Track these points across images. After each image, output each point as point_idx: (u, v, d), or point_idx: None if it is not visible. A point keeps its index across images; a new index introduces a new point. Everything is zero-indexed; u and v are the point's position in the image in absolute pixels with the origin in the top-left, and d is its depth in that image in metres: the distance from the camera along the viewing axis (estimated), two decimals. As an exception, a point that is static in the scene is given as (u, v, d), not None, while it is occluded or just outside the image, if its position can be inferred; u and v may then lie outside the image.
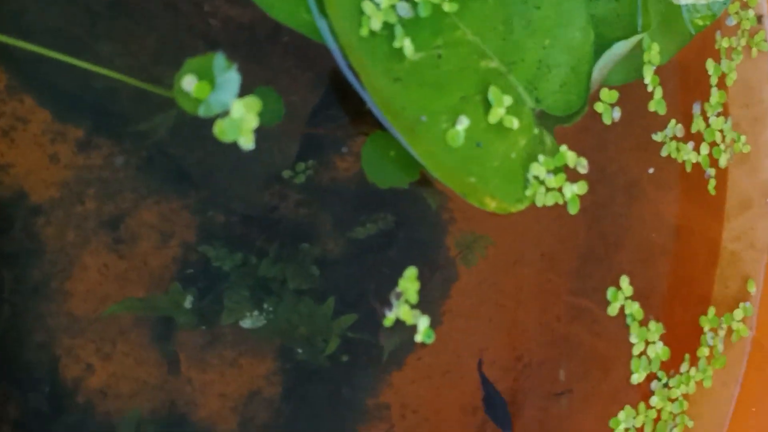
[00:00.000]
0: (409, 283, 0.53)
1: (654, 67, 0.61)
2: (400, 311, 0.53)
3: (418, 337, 0.53)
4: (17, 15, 0.49)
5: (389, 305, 0.53)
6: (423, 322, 0.53)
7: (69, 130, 0.50)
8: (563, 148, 0.57)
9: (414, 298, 0.53)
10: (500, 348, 0.61)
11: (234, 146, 0.45)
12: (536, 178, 0.56)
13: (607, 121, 0.61)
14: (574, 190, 0.58)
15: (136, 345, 0.51)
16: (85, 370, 0.50)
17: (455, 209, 0.59)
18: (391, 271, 0.56)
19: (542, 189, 0.56)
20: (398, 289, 0.53)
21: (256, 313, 0.53)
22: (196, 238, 0.52)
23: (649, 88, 0.63)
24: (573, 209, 0.58)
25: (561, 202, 0.58)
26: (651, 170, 0.65)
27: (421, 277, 0.54)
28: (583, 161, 0.58)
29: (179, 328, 0.52)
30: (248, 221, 0.53)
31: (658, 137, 0.65)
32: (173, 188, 0.52)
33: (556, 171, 0.56)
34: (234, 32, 0.52)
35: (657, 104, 0.63)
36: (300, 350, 0.55)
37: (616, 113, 0.61)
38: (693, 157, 0.66)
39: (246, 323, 0.53)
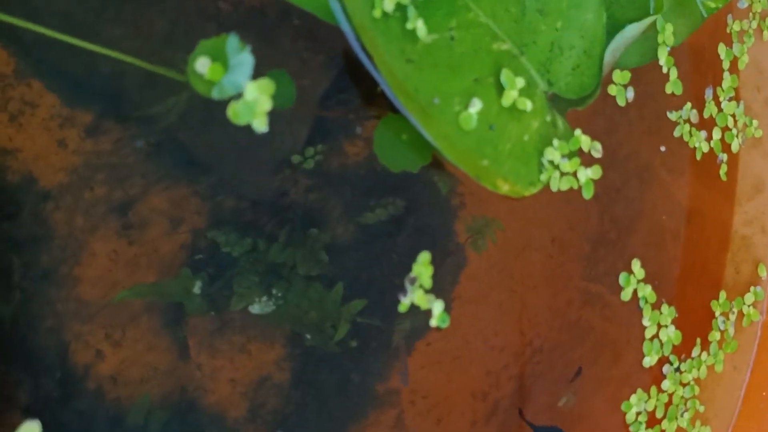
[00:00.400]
0: (422, 267, 0.54)
1: (668, 48, 0.61)
2: (414, 296, 0.53)
3: (433, 322, 0.53)
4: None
5: (404, 291, 0.53)
6: (438, 307, 0.53)
7: (77, 115, 0.50)
8: (577, 132, 0.57)
9: (428, 282, 0.54)
10: (510, 333, 0.61)
11: (244, 131, 0.45)
12: (551, 162, 0.56)
13: (621, 102, 0.61)
14: (588, 174, 0.58)
15: (146, 331, 0.51)
16: (95, 355, 0.50)
17: (465, 193, 0.59)
18: (401, 257, 0.56)
19: (557, 173, 0.56)
20: (412, 275, 0.53)
21: (265, 298, 0.53)
22: (206, 224, 0.52)
23: (664, 69, 0.63)
24: (587, 194, 0.58)
25: (575, 186, 0.58)
26: (663, 148, 0.65)
27: (431, 263, 0.54)
28: (597, 145, 0.58)
29: (189, 313, 0.52)
30: (257, 207, 0.53)
31: (673, 116, 0.65)
32: (183, 173, 0.52)
33: (570, 155, 0.57)
34: (244, 15, 0.52)
35: (673, 85, 0.63)
36: (309, 336, 0.54)
37: (630, 93, 0.60)
38: (704, 147, 0.66)
39: (255, 309, 0.53)
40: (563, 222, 0.62)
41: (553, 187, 0.57)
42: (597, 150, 0.58)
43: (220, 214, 0.52)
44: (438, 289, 0.56)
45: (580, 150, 0.57)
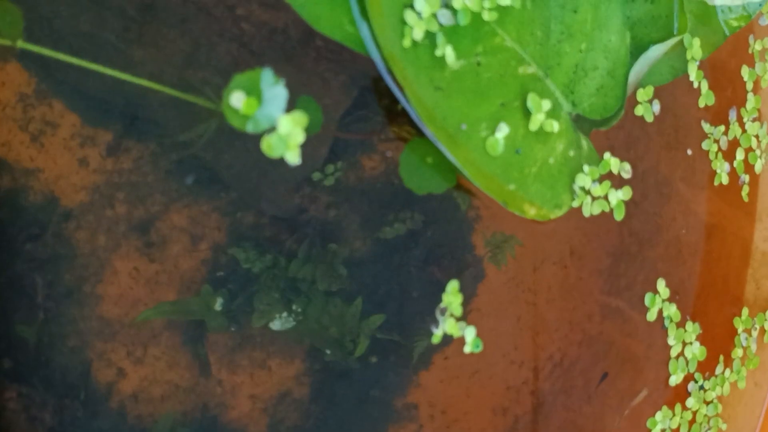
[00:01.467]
0: (452, 297, 0.54)
1: (697, 63, 0.61)
2: (446, 326, 0.54)
3: (467, 348, 0.54)
4: (48, 19, 0.48)
5: (435, 322, 0.54)
6: (470, 333, 0.54)
7: (99, 134, 0.50)
8: (607, 155, 0.57)
9: (458, 310, 0.55)
10: (529, 348, 0.61)
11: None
12: (582, 188, 0.56)
13: (648, 118, 0.61)
14: (619, 196, 0.58)
15: (167, 348, 0.51)
16: (117, 374, 0.50)
17: (482, 207, 0.58)
18: (419, 271, 0.56)
19: (588, 199, 0.57)
20: (442, 305, 0.54)
21: (285, 314, 0.53)
22: (226, 241, 0.52)
23: (695, 84, 0.63)
24: (619, 215, 0.59)
25: (607, 209, 0.58)
26: (689, 152, 0.65)
27: (448, 276, 0.55)
28: (627, 166, 0.58)
29: (210, 330, 0.52)
30: (278, 223, 0.53)
31: (706, 128, 0.65)
32: (203, 191, 0.51)
33: (600, 179, 0.57)
34: (267, 36, 0.52)
35: (705, 98, 0.63)
36: (329, 351, 0.54)
37: (656, 107, 0.60)
38: (724, 178, 0.66)
39: (276, 325, 0.53)
40: (583, 235, 0.62)
41: (586, 213, 0.57)
42: (626, 171, 0.58)
43: (240, 231, 0.52)
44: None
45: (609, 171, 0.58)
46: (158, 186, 0.51)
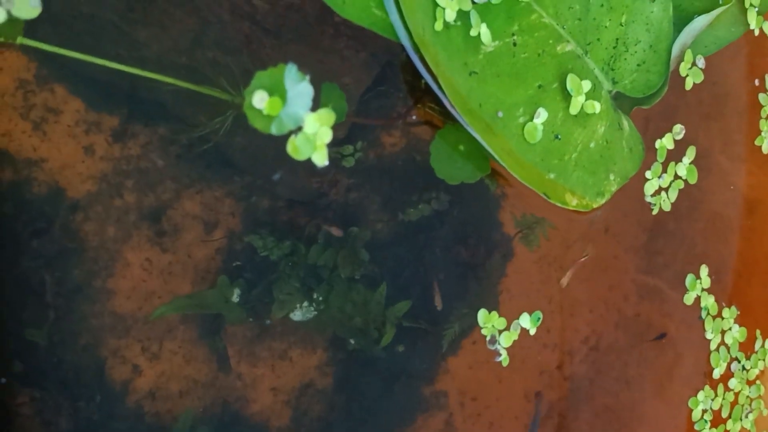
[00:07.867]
0: (489, 322, 0.55)
1: (756, 9, 0.60)
2: (504, 342, 0.55)
3: (532, 332, 0.56)
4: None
5: (497, 353, 0.55)
6: (525, 322, 0.55)
7: (104, 119, 0.47)
8: (658, 142, 0.57)
9: (501, 323, 0.55)
10: (563, 330, 0.58)
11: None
12: (654, 194, 0.57)
13: (697, 79, 0.60)
14: (686, 162, 0.59)
15: (184, 342, 0.49)
16: (132, 371, 0.48)
17: (509, 186, 0.56)
18: (445, 253, 0.54)
19: (664, 195, 0.58)
20: (488, 336, 0.55)
21: (306, 304, 0.51)
22: (242, 228, 0.50)
23: (756, 32, 0.62)
24: (693, 178, 0.59)
25: (681, 186, 0.59)
26: (756, 82, 0.64)
27: (476, 257, 0.54)
28: (677, 128, 0.58)
29: (228, 322, 0.50)
30: (295, 207, 0.51)
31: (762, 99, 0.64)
32: (215, 175, 0.49)
33: (665, 166, 0.57)
34: (282, 12, 0.49)
35: None
36: (353, 341, 0.52)
37: (700, 62, 0.59)
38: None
39: (297, 316, 0.51)
40: (617, 211, 0.59)
41: (666, 208, 0.58)
42: (678, 132, 0.58)
43: (256, 217, 0.50)
44: (485, 278, 0.55)
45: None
46: (168, 172, 0.48)
